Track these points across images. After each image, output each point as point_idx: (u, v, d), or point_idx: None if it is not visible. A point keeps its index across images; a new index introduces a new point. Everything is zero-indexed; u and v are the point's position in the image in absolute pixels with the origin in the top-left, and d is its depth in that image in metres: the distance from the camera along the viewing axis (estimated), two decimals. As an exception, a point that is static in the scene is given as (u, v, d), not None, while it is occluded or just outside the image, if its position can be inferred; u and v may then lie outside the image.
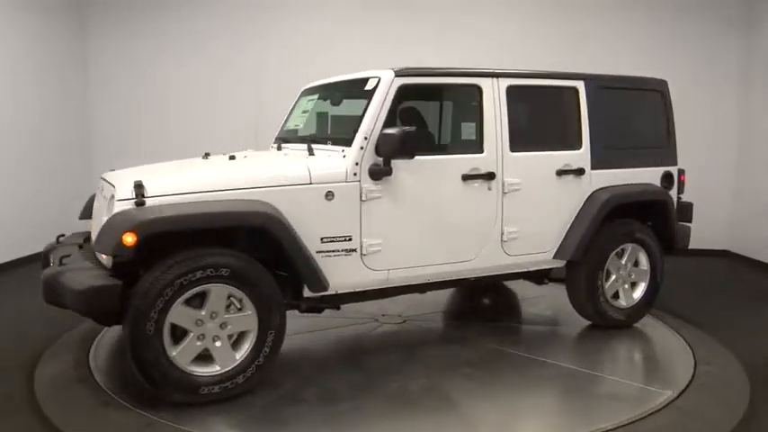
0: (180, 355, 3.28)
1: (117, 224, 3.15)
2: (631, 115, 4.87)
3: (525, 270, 4.49)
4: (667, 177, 4.92)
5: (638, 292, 4.81)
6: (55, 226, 4.84)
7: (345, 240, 3.74)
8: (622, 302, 4.74)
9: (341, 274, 3.75)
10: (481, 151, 4.12)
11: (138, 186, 3.32)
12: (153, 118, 7.94)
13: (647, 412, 3.28)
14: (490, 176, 4.10)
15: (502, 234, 4.22)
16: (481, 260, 4.19)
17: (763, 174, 7.14)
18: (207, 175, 3.61)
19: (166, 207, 3.25)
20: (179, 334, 3.33)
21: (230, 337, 3.43)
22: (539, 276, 4.75)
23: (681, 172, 5.03)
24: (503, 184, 4.17)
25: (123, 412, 3.27)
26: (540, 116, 4.61)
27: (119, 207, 3.30)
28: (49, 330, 4.51)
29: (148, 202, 3.30)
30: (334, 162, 3.76)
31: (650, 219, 4.92)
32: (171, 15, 7.87)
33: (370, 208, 3.78)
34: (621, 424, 3.16)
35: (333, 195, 3.67)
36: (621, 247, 4.67)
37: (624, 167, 4.69)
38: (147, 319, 3.14)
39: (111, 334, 4.40)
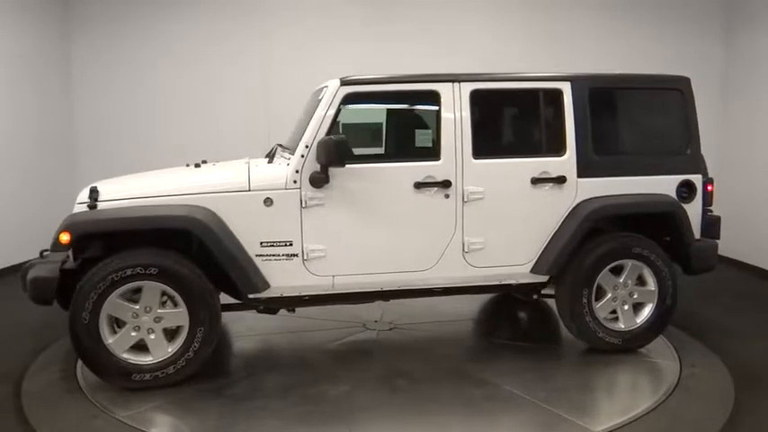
0: (116, 343, 3.65)
1: (61, 225, 3.61)
2: (638, 118, 4.39)
3: (499, 283, 4.25)
4: (687, 187, 4.34)
5: (643, 315, 4.31)
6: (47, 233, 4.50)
7: (286, 245, 3.87)
8: (621, 325, 4.28)
9: (283, 278, 3.89)
10: (438, 158, 4.00)
11: (93, 191, 3.76)
12: (152, 123, 7.75)
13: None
14: (446, 184, 3.97)
15: (463, 244, 4.05)
16: (440, 270, 4.06)
17: (744, 178, 7.06)
18: (159, 182, 3.95)
19: (106, 211, 3.66)
20: (121, 324, 3.72)
21: (166, 330, 3.74)
22: (524, 291, 4.47)
23: (707, 181, 4.41)
24: (462, 193, 4.01)
25: (112, 425, 3.30)
26: (514, 121, 4.35)
27: (76, 209, 3.76)
28: (37, 341, 4.55)
29: (101, 205, 3.73)
30: (276, 170, 3.92)
31: (667, 234, 4.39)
32: (171, 15, 7.70)
33: (312, 214, 3.87)
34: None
35: (272, 202, 3.82)
36: (618, 263, 4.22)
37: (625, 175, 4.23)
38: (82, 309, 3.55)
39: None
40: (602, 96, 4.24)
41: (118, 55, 7.75)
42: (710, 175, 4.49)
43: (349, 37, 7.60)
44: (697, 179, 4.37)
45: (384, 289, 4.10)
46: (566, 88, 4.16)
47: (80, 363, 4.03)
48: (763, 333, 4.90)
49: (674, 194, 4.31)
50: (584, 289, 4.17)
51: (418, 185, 3.96)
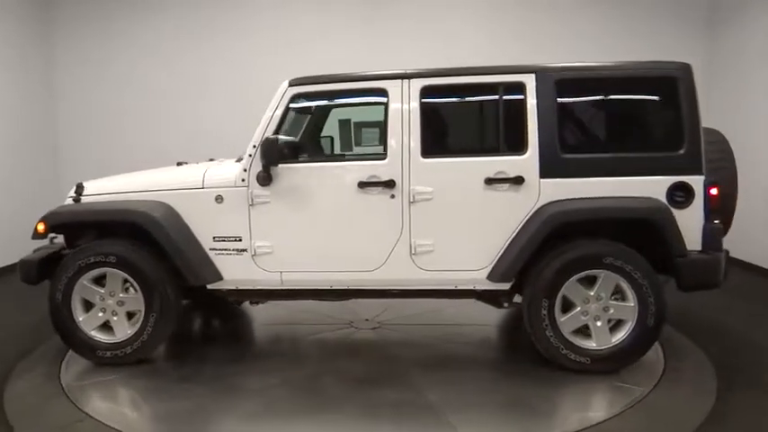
0: (85, 322, 4.11)
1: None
2: (619, 112, 3.91)
3: (455, 288, 4.03)
4: (681, 189, 3.77)
5: (621, 334, 3.83)
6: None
7: (236, 240, 4.06)
8: (592, 343, 3.85)
9: (234, 272, 4.09)
10: (384, 157, 3.92)
11: (79, 187, 4.26)
12: (138, 123, 7.77)
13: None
14: (389, 184, 3.88)
15: (411, 246, 3.93)
16: (387, 272, 3.97)
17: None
18: (134, 180, 4.34)
19: (79, 204, 4.14)
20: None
21: (130, 313, 4.12)
22: (489, 298, 4.18)
23: (710, 183, 3.78)
24: (409, 193, 3.88)
25: (97, 429, 3.29)
26: (469, 118, 4.08)
27: (66, 202, 4.29)
28: (21, 344, 4.56)
29: (84, 199, 4.23)
30: (230, 169, 4.12)
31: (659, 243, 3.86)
32: (155, 14, 7.71)
33: (259, 212, 4.01)
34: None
35: (222, 199, 4.04)
36: (588, 273, 3.80)
37: (600, 176, 3.79)
38: (56, 290, 4.06)
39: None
40: (573, 89, 3.84)
41: (101, 54, 7.81)
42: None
43: (340, 34, 7.49)
44: (696, 181, 3.77)
45: (333, 288, 4.11)
46: (529, 81, 3.83)
47: (64, 365, 4.16)
48: (749, 329, 4.85)
49: (663, 198, 3.78)
50: (544, 300, 3.81)
51: (362, 185, 3.92)
